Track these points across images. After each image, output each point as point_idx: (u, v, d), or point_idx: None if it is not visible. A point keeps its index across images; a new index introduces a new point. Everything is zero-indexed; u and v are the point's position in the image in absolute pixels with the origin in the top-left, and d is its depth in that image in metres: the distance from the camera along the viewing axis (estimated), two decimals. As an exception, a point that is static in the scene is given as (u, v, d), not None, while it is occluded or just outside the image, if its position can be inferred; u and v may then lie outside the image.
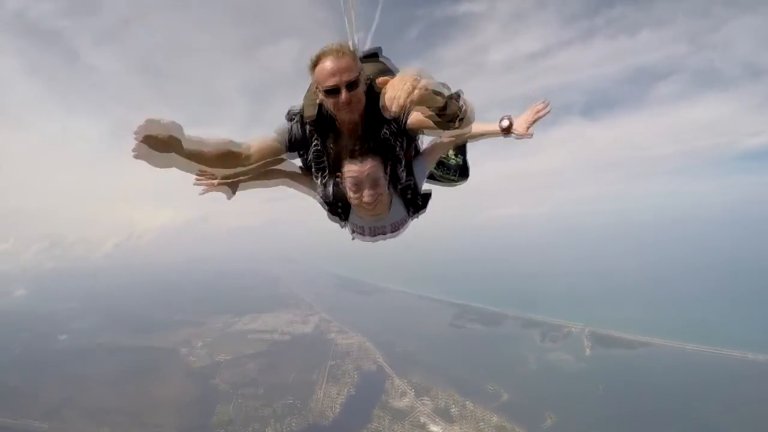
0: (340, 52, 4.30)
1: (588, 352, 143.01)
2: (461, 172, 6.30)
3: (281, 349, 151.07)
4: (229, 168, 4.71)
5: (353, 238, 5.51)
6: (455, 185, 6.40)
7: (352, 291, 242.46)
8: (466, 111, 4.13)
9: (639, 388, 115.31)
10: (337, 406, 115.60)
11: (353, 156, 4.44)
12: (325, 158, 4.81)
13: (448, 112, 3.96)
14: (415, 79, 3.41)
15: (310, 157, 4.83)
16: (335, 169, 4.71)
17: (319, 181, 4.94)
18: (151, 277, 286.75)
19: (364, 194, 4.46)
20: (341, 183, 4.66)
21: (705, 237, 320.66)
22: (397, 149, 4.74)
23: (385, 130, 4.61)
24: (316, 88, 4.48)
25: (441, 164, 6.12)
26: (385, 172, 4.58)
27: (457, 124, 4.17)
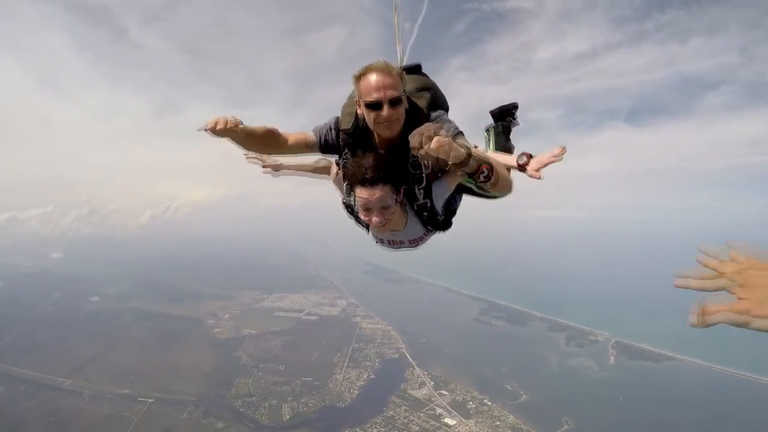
0: (386, 69, 4.33)
1: (612, 360, 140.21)
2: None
3: (306, 329, 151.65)
4: (270, 148, 4.92)
5: (376, 243, 5.88)
6: (494, 199, 5.88)
7: (382, 278, 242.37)
8: (495, 176, 3.98)
9: (660, 402, 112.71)
10: (356, 390, 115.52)
11: (363, 183, 4.33)
12: None
13: (469, 170, 3.82)
14: (438, 128, 3.50)
15: (341, 165, 5.02)
16: None
17: (344, 189, 4.98)
18: (184, 250, 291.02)
19: (372, 218, 4.44)
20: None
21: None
22: (419, 171, 4.69)
23: (413, 155, 4.45)
24: (357, 100, 4.50)
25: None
26: (397, 196, 4.48)
27: (488, 187, 4.12)
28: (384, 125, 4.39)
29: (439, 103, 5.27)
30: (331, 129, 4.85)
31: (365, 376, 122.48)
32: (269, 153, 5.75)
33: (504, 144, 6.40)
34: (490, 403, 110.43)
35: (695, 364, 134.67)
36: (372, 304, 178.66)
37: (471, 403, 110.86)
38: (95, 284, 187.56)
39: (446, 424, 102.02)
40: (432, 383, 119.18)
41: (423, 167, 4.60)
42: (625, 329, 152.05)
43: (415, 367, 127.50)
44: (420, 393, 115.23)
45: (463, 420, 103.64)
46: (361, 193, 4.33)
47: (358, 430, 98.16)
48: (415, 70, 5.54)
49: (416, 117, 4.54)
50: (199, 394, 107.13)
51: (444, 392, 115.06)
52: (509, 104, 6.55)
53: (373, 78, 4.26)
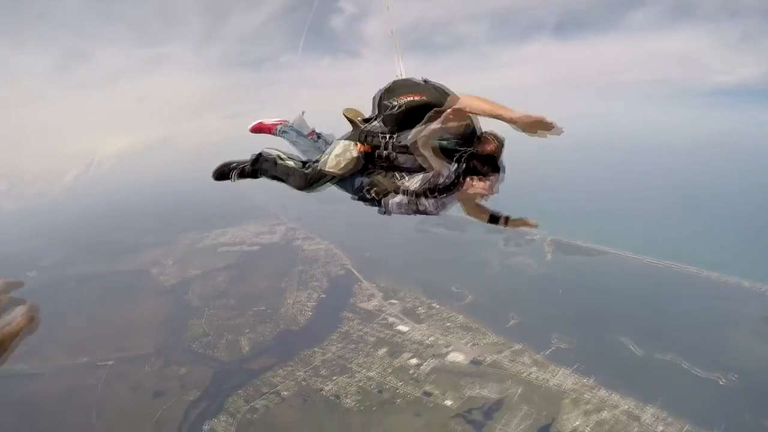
0: None
1: (549, 257, 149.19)
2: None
3: (250, 260, 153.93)
4: None
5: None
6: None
7: (318, 200, 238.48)
8: None
9: (596, 292, 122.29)
10: (308, 311, 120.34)
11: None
12: None
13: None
14: None
15: None
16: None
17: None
18: (115, 204, 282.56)
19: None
20: None
21: (669, 163, 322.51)
22: None
23: None
24: None
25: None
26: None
27: None
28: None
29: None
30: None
31: (315, 297, 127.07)
32: None
33: None
34: (438, 307, 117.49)
35: (626, 257, 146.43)
36: (311, 226, 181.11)
37: (420, 308, 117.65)
38: (30, 260, 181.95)
39: (400, 331, 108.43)
40: (381, 294, 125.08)
41: None
42: (559, 228, 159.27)
43: (363, 280, 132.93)
44: (370, 305, 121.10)
45: (415, 325, 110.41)
46: None
47: (316, 349, 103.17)
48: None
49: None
50: (156, 345, 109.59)
51: (393, 301, 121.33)
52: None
53: None
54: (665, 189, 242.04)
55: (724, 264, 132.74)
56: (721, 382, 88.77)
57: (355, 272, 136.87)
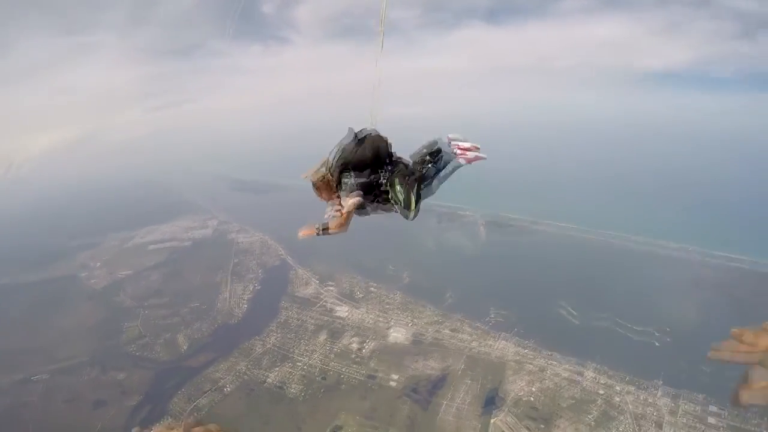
0: (319, 187, 9.71)
1: (483, 234, 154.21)
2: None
3: (182, 256, 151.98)
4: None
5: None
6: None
7: (250, 191, 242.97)
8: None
9: (531, 264, 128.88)
10: (245, 303, 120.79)
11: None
12: None
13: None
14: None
15: None
16: None
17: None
18: (37, 207, 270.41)
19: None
20: None
21: (598, 145, 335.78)
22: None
23: None
24: None
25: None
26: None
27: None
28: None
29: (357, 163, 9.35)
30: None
31: (251, 288, 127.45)
32: None
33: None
34: (376, 288, 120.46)
35: (559, 228, 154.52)
36: (244, 218, 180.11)
37: (358, 291, 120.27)
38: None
39: (339, 316, 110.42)
40: (317, 280, 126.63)
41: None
42: (491, 207, 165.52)
43: (298, 268, 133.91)
44: (307, 291, 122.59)
45: (354, 308, 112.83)
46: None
47: (256, 340, 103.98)
48: (358, 141, 9.44)
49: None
50: (91, 351, 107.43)
51: (330, 286, 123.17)
52: (434, 149, 10.12)
53: (315, 192, 9.86)
54: (593, 164, 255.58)
55: (651, 230, 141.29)
56: (656, 341, 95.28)
57: (290, 260, 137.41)
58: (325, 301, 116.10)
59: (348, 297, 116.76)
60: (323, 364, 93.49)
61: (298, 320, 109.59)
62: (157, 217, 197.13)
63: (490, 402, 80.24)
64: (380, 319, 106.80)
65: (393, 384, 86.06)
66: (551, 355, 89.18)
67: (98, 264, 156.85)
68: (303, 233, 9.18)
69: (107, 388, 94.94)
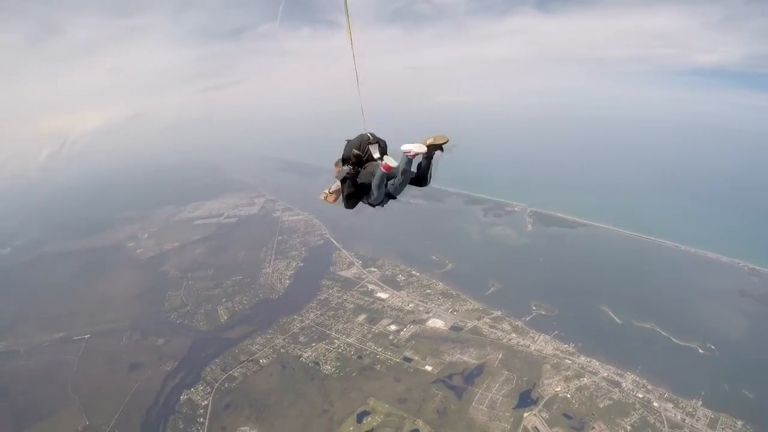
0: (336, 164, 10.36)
1: (529, 228, 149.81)
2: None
3: (228, 232, 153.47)
4: None
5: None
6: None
7: (297, 173, 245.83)
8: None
9: (577, 262, 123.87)
10: (286, 280, 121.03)
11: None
12: None
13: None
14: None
15: None
16: None
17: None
18: (89, 181, 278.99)
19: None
20: None
21: (650, 140, 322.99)
22: None
23: None
24: None
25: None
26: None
27: None
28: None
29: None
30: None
31: (294, 266, 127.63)
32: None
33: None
34: (418, 274, 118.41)
35: (606, 230, 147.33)
36: (290, 198, 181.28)
37: (400, 276, 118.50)
38: (3, 239, 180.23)
39: (379, 298, 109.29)
40: (360, 262, 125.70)
41: None
42: (540, 200, 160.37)
43: (342, 249, 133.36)
44: (350, 273, 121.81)
45: (395, 292, 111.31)
46: None
47: (295, 316, 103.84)
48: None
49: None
50: (133, 317, 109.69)
51: (373, 269, 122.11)
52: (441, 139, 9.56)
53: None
54: (646, 165, 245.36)
55: (702, 240, 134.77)
56: (699, 351, 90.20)
57: (334, 241, 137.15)
58: (367, 284, 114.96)
59: (390, 281, 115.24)
60: (360, 344, 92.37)
61: (338, 300, 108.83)
62: (205, 193, 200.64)
63: (525, 397, 77.68)
64: (420, 305, 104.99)
65: (429, 369, 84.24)
66: (591, 357, 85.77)
67: (146, 235, 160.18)
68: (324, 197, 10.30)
69: (145, 352, 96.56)
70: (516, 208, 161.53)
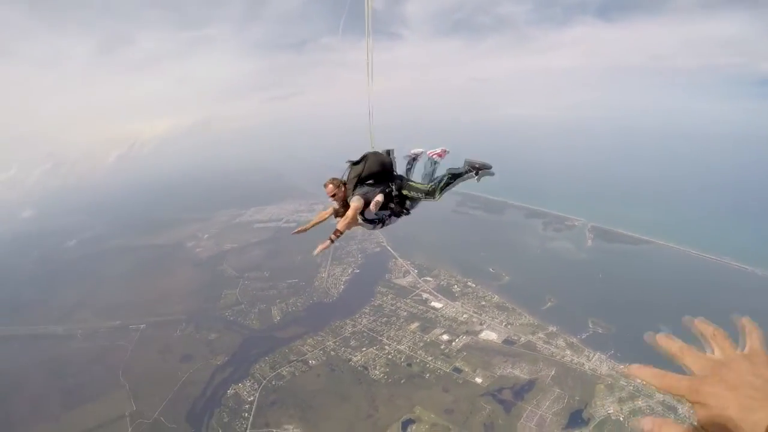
0: (327, 184, 10.42)
1: (590, 243, 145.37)
2: (427, 194, 10.83)
3: (286, 236, 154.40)
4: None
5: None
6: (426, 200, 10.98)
7: None
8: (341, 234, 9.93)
9: (637, 281, 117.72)
10: (341, 285, 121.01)
11: (335, 216, 10.47)
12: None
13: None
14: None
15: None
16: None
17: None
18: (155, 183, 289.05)
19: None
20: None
21: (717, 155, 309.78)
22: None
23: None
24: None
25: (410, 189, 10.97)
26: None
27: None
28: (336, 201, 10.45)
29: (366, 178, 10.60)
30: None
31: (350, 271, 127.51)
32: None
33: (447, 181, 10.82)
34: (474, 286, 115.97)
35: (670, 248, 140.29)
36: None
37: (456, 286, 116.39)
38: (72, 233, 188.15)
39: (434, 307, 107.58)
40: (416, 271, 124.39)
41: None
42: (601, 215, 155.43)
43: (398, 258, 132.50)
44: (405, 281, 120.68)
45: (449, 302, 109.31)
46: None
47: (347, 321, 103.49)
48: (357, 162, 10.72)
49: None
50: (189, 311, 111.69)
51: (428, 278, 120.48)
52: (485, 166, 10.84)
53: (325, 189, 10.43)
54: (713, 181, 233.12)
55: None
56: None
57: (391, 249, 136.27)
58: (422, 292, 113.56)
59: (445, 291, 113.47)
60: (411, 352, 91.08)
61: (392, 307, 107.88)
62: (266, 199, 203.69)
63: (576, 417, 74.71)
64: (474, 316, 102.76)
65: (478, 381, 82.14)
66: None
67: (206, 236, 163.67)
68: (319, 250, 10.04)
69: (197, 345, 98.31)
70: (576, 223, 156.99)
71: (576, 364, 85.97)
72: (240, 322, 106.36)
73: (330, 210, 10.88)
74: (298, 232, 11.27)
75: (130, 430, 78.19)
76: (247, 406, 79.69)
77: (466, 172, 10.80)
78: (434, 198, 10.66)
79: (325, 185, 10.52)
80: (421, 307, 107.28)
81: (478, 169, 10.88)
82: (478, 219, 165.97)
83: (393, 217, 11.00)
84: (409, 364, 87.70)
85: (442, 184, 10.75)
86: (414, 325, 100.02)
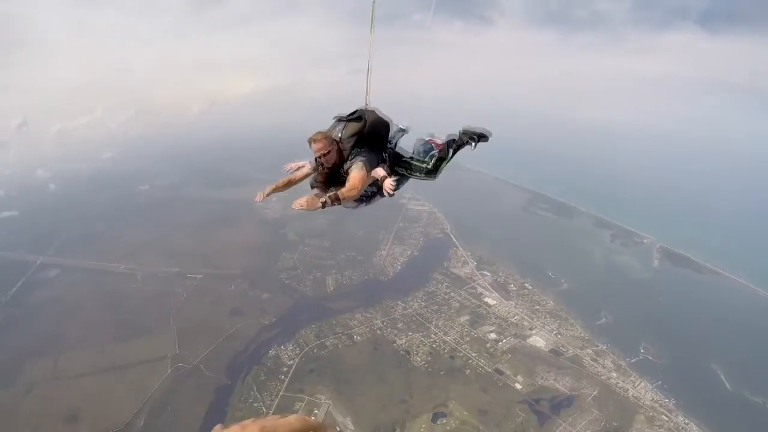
0: (319, 138, 9.00)
1: (656, 264, 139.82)
2: (427, 173, 9.97)
3: (352, 209, 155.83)
4: (293, 185, 10.69)
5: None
6: (423, 179, 10.06)
7: None
8: (340, 201, 8.40)
9: (698, 312, 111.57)
10: (399, 265, 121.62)
11: (313, 186, 9.58)
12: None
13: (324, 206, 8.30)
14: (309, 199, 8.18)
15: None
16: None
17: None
18: (233, 141, 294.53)
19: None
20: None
21: None
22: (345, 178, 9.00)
23: (342, 170, 9.20)
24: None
25: (410, 167, 10.05)
26: (327, 191, 8.90)
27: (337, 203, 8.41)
28: (325, 164, 9.17)
29: (365, 139, 9.41)
30: (314, 158, 9.37)
31: (409, 253, 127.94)
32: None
33: (441, 155, 9.96)
34: (530, 287, 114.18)
35: (739, 283, 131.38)
36: (418, 187, 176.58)
37: (512, 285, 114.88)
38: (147, 178, 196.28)
39: (487, 303, 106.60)
40: (474, 263, 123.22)
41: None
42: (671, 236, 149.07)
43: (459, 247, 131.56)
44: (462, 271, 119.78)
45: (503, 300, 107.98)
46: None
47: (399, 302, 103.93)
48: (356, 119, 9.51)
49: (343, 154, 9.27)
50: (246, 268, 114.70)
51: (486, 273, 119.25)
52: (484, 134, 9.92)
53: (312, 146, 9.08)
54: None
55: None
56: None
57: (453, 237, 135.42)
58: (477, 286, 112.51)
59: (500, 288, 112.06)
60: (456, 344, 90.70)
61: (444, 295, 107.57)
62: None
63: (611, 444, 72.87)
64: (526, 319, 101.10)
65: (518, 387, 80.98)
66: (689, 420, 77.87)
67: (274, 198, 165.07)
68: (298, 204, 8.27)
69: (249, 302, 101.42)
70: (645, 240, 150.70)
71: (620, 388, 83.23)
72: (293, 287, 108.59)
73: (306, 169, 10.02)
74: (265, 197, 9.98)
75: (169, 371, 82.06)
76: (285, 369, 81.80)
77: (466, 143, 9.96)
78: (434, 177, 9.97)
79: (314, 140, 8.98)
80: (474, 301, 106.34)
81: (478, 138, 9.95)
82: (546, 220, 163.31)
83: (378, 196, 9.72)
84: (452, 357, 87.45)
85: (445, 162, 9.93)
86: (464, 318, 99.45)
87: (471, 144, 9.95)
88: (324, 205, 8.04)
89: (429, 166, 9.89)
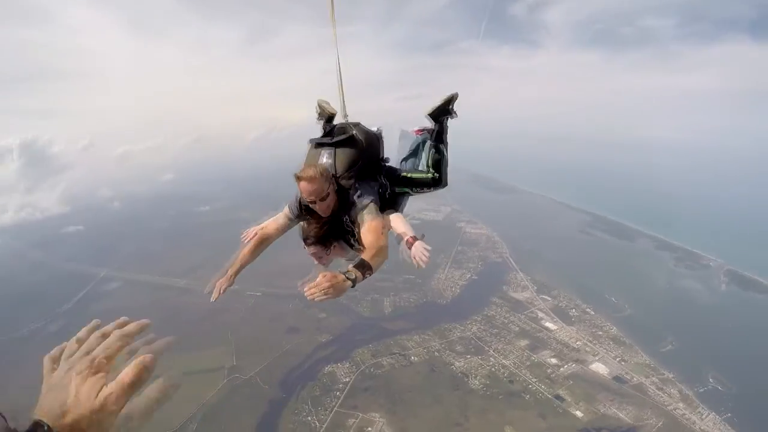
0: (313, 177, 6.22)
1: (723, 288, 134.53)
2: (434, 183, 7.65)
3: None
4: (267, 245, 7.66)
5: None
6: (432, 192, 7.83)
7: (486, 188, 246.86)
8: (372, 271, 5.50)
9: None
10: (457, 289, 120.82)
11: (307, 242, 7.26)
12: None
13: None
14: (327, 282, 4.65)
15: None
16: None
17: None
18: (289, 165, 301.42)
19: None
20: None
21: None
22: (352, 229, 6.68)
23: (346, 217, 6.67)
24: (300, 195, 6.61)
25: (412, 183, 7.67)
26: (327, 248, 7.12)
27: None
28: (320, 211, 6.54)
29: (365, 168, 7.04)
30: (296, 203, 6.99)
31: (467, 277, 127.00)
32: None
33: (435, 157, 7.61)
34: (592, 313, 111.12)
35: None
36: (476, 211, 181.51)
37: (573, 310, 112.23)
38: (206, 200, 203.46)
39: (547, 328, 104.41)
40: (534, 288, 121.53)
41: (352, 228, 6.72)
42: (739, 258, 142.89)
43: (518, 271, 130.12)
44: (521, 296, 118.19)
45: (564, 326, 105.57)
46: (309, 249, 7.37)
47: (456, 325, 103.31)
48: (347, 141, 7.02)
49: (343, 194, 6.64)
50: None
51: (546, 297, 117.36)
52: (446, 100, 7.49)
53: (303, 186, 6.26)
54: None
55: None
56: None
57: (512, 261, 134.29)
58: (537, 310, 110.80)
59: (561, 313, 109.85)
60: (515, 369, 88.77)
61: (504, 319, 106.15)
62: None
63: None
64: (588, 345, 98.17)
65: (578, 414, 78.32)
66: None
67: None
68: (321, 292, 4.79)
69: (306, 321, 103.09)
70: (711, 263, 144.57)
71: (687, 420, 79.34)
72: (351, 307, 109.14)
73: (280, 222, 7.60)
74: (227, 287, 6.83)
75: (225, 381, 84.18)
76: (340, 386, 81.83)
77: (444, 122, 7.76)
78: (442, 185, 7.68)
79: (308, 178, 6.30)
80: (534, 326, 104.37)
81: (450, 110, 7.61)
82: (605, 243, 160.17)
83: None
84: (511, 381, 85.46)
85: (442, 165, 7.67)
86: (523, 342, 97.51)
87: (450, 117, 7.77)
88: (354, 283, 5.13)
89: (431, 176, 7.65)
